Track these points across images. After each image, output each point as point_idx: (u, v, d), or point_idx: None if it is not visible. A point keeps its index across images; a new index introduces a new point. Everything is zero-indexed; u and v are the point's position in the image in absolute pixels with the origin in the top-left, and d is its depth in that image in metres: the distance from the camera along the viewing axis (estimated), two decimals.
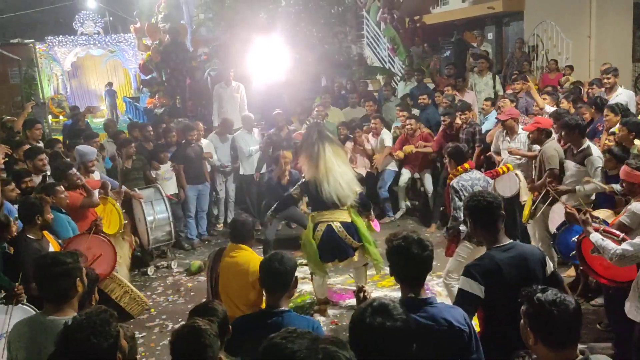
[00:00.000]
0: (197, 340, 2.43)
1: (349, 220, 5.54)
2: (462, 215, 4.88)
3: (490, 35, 14.09)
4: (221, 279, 4.20)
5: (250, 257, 4.14)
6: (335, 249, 5.49)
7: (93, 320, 2.21)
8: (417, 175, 8.77)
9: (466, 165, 5.26)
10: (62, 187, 5.42)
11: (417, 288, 2.74)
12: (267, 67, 10.87)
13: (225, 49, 13.11)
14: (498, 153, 7.20)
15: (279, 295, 3.12)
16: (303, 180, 5.91)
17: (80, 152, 6.56)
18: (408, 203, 9.04)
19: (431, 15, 14.89)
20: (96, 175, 6.74)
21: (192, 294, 6.64)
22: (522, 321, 2.31)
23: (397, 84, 12.20)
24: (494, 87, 10.38)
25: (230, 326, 3.00)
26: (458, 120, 8.07)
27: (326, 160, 5.51)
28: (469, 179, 5.20)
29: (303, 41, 12.61)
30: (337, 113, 9.90)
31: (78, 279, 2.83)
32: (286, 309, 3.12)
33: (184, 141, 8.24)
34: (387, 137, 8.77)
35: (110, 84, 25.51)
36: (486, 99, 8.91)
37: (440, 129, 8.29)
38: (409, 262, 2.71)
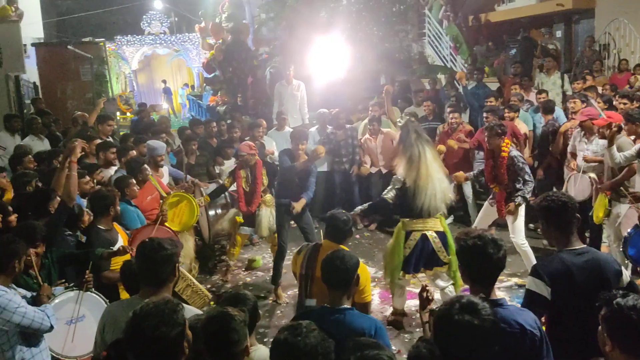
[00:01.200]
0: (226, 325, 2.47)
1: (442, 229, 5.30)
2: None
3: (558, 33, 13.60)
4: (317, 280, 3.84)
5: None
6: (427, 260, 5.24)
7: (161, 309, 2.24)
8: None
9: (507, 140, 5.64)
10: (134, 180, 5.63)
11: (488, 289, 2.68)
12: (327, 66, 10.90)
13: (286, 48, 13.24)
14: (575, 154, 6.93)
15: (341, 293, 3.10)
16: (399, 183, 5.38)
17: (150, 147, 6.76)
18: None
19: (496, 13, 14.52)
20: (164, 170, 6.94)
21: (250, 288, 6.74)
22: (599, 327, 2.21)
23: (458, 84, 11.94)
24: (562, 86, 10.02)
25: (260, 312, 3.05)
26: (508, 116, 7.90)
27: (427, 165, 5.21)
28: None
29: (363, 40, 12.54)
30: (396, 113, 9.77)
31: (177, 264, 2.93)
32: (348, 306, 3.11)
33: (247, 138, 8.36)
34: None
35: (164, 82, 26.33)
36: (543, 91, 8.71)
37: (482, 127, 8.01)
38: (484, 262, 2.64)
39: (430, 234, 5.21)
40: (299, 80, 10.28)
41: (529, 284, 3.01)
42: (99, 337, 2.98)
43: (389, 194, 5.42)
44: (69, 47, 14.61)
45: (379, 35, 13.07)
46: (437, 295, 5.32)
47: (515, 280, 6.40)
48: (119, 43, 25.99)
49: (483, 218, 6.63)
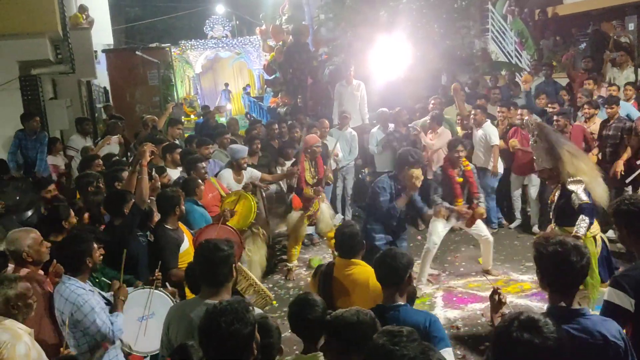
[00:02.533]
0: (310, 307, 2.87)
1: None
2: None
3: (631, 26, 12.89)
4: (338, 298, 3.86)
5: (368, 271, 3.77)
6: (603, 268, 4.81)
7: (235, 307, 2.32)
8: (526, 182, 8.09)
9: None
10: (201, 181, 5.77)
11: (569, 297, 2.54)
12: (387, 65, 10.80)
13: (345, 48, 13.23)
14: None
15: (393, 291, 3.14)
16: (581, 194, 4.76)
17: (232, 150, 6.89)
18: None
19: (564, 6, 13.97)
20: (245, 173, 6.97)
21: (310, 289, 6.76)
22: None
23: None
24: (636, 81, 9.52)
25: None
26: (579, 122, 7.53)
27: (583, 160, 4.88)
28: None
29: (424, 38, 12.35)
30: (453, 112, 9.53)
31: (233, 265, 3.00)
32: (402, 303, 3.12)
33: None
34: (492, 131, 8.01)
35: (226, 85, 26.89)
36: (627, 83, 8.24)
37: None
38: (565, 270, 2.51)
39: (605, 237, 4.87)
40: (358, 80, 10.24)
41: (608, 296, 2.83)
42: (165, 337, 3.08)
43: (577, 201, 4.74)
44: (137, 52, 15.18)
45: (440, 32, 12.84)
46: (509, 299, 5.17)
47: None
48: (184, 47, 26.77)
49: (442, 225, 6.49)
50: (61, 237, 4.29)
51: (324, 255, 7.84)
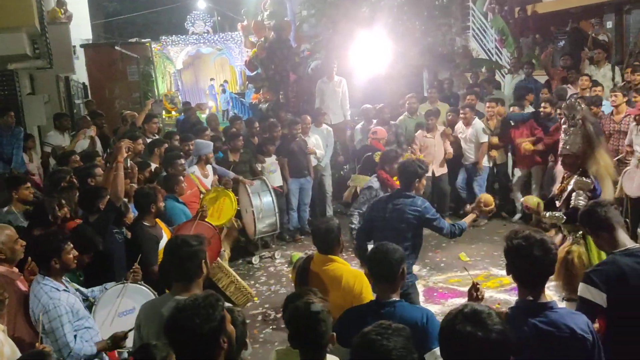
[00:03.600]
0: (311, 317, 2.56)
1: None
2: None
3: (609, 24, 13.10)
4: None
5: (343, 269, 3.70)
6: None
7: (197, 303, 2.28)
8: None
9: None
10: (182, 177, 5.73)
11: (537, 291, 2.57)
12: (369, 62, 10.82)
13: (327, 45, 13.21)
14: (631, 146, 6.79)
15: (387, 286, 3.11)
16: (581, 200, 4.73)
17: (197, 146, 6.89)
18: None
19: (544, 4, 14.09)
20: (209, 168, 7.04)
21: (292, 284, 6.76)
22: None
23: (503, 77, 11.68)
24: (613, 79, 9.65)
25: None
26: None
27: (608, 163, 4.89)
28: None
29: (405, 34, 12.38)
30: (446, 109, 9.56)
31: (203, 261, 2.96)
32: (397, 299, 3.10)
33: (289, 136, 8.40)
34: (481, 129, 8.39)
35: (212, 80, 26.76)
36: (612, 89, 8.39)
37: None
38: (530, 264, 2.54)
39: None
40: (340, 77, 10.24)
41: (581, 291, 2.89)
42: (137, 334, 3.05)
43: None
44: (116, 47, 15.00)
45: (422, 29, 12.88)
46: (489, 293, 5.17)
47: None
48: (164, 43, 26.52)
49: None
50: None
51: (306, 251, 7.84)
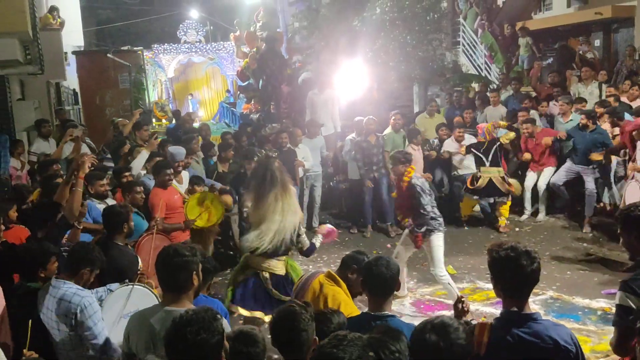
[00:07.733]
0: (293, 323, 2.61)
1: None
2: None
3: (597, 42, 13.34)
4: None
5: (342, 299, 3.64)
6: None
7: (202, 316, 2.29)
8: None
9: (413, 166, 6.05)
10: (140, 187, 5.64)
11: (521, 302, 2.61)
12: (360, 75, 10.90)
13: (318, 57, 13.30)
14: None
15: (383, 300, 3.10)
16: None
17: (170, 153, 6.91)
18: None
19: (533, 21, 14.34)
20: (184, 175, 7.00)
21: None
22: None
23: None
24: (600, 96, 9.80)
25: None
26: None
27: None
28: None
29: (396, 48, 12.52)
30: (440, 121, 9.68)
31: (195, 272, 2.89)
32: (390, 313, 3.09)
33: (276, 145, 8.42)
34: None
35: (191, 95, 26.95)
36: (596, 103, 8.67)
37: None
38: (516, 274, 2.57)
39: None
40: (331, 89, 10.31)
41: (620, 299, 2.84)
42: (125, 345, 2.98)
43: None
44: (108, 55, 15.00)
45: (413, 44, 13.02)
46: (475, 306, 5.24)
47: (550, 293, 6.26)
48: (156, 51, 26.50)
49: (404, 248, 6.28)
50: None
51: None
